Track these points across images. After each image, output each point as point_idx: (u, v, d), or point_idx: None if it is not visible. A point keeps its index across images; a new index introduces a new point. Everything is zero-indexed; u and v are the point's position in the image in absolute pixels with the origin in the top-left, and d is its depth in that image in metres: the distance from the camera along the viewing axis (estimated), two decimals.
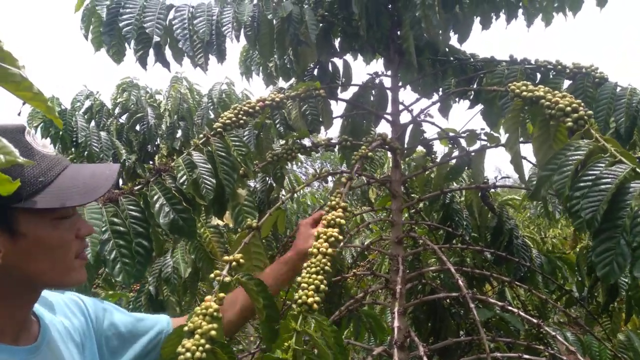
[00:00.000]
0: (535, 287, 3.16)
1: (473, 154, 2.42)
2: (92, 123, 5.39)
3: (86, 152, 4.52)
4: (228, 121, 1.83)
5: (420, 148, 2.90)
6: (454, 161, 2.52)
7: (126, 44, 2.01)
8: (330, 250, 1.37)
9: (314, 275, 1.31)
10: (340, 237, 1.44)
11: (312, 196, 6.22)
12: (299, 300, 1.25)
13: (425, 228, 3.12)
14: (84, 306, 1.19)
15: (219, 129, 1.81)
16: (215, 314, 1.28)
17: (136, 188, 1.64)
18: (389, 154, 2.84)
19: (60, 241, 0.98)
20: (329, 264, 1.35)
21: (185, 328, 1.18)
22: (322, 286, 1.30)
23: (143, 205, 1.57)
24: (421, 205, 2.93)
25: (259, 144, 2.41)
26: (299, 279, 1.31)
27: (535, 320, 2.03)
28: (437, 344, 2.05)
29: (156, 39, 1.98)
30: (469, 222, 3.03)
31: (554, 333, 2.13)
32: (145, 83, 7.99)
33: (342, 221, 1.49)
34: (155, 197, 1.57)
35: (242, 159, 1.81)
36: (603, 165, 1.22)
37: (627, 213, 1.15)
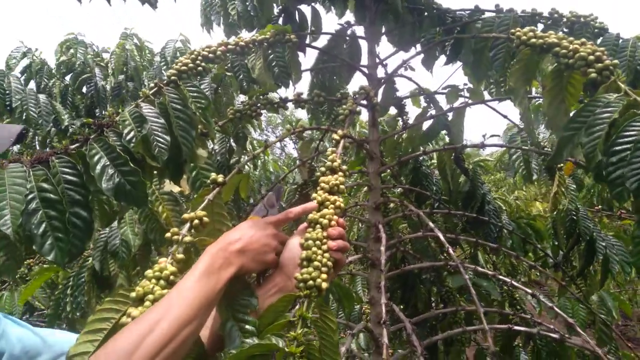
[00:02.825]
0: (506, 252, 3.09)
1: (452, 113, 2.24)
2: (32, 84, 4.89)
3: (24, 117, 4.03)
4: (184, 68, 1.55)
5: (391, 109, 2.69)
6: (428, 122, 2.33)
7: None
8: (342, 221, 1.17)
9: (326, 254, 1.11)
10: (344, 206, 1.22)
11: (275, 163, 5.94)
12: (310, 282, 1.05)
13: (395, 193, 2.95)
14: None
15: (173, 77, 1.52)
16: (171, 277, 1.07)
17: (72, 147, 1.35)
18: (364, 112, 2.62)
19: None
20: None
21: (133, 294, 1.01)
22: (330, 264, 1.10)
23: (81, 167, 1.29)
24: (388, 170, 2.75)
25: (218, 99, 2.13)
26: (304, 253, 1.10)
27: (509, 280, 1.90)
28: (418, 317, 1.89)
29: None
30: (438, 187, 2.88)
31: (529, 291, 2.00)
32: (92, 40, 7.36)
33: (343, 187, 1.27)
34: (97, 157, 1.29)
35: (201, 113, 1.54)
36: None
37: None
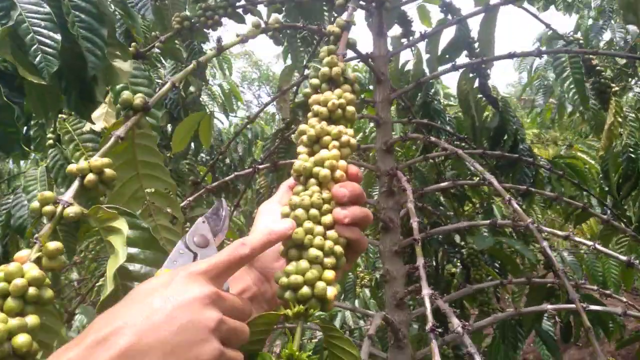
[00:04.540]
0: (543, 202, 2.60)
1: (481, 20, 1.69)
2: None
3: None
4: None
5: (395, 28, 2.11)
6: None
7: None
8: (355, 169, 0.67)
9: (331, 233, 0.62)
10: (355, 143, 0.69)
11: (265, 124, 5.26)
12: (303, 290, 0.57)
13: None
14: None
15: None
16: (31, 292, 0.58)
17: None
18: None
19: None
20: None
21: None
22: (340, 251, 0.62)
23: None
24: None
25: (160, 8, 1.54)
26: (296, 233, 0.61)
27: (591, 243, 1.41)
28: (451, 295, 1.39)
29: None
30: (452, 126, 2.35)
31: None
32: None
33: (352, 109, 0.72)
34: None
35: (120, 5, 0.97)
36: None
37: None
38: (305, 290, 0.57)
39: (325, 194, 0.64)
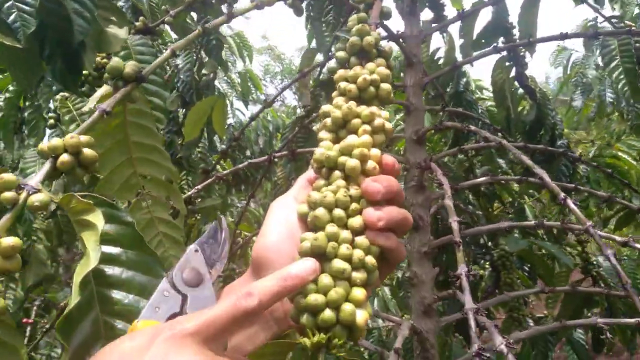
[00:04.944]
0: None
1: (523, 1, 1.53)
2: None
3: None
4: None
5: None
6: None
7: None
8: (391, 159, 0.54)
9: (361, 240, 0.48)
10: (391, 128, 0.55)
11: (273, 111, 5.10)
12: (325, 314, 0.43)
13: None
14: None
15: None
16: None
17: None
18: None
19: None
20: None
21: None
22: (372, 263, 0.47)
23: None
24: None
25: None
26: (310, 241, 0.47)
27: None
28: (488, 302, 1.24)
29: None
30: (484, 119, 2.19)
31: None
32: None
33: (387, 87, 0.57)
34: None
35: None
36: None
37: None
38: (328, 314, 0.43)
39: (354, 190, 0.49)
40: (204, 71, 1.74)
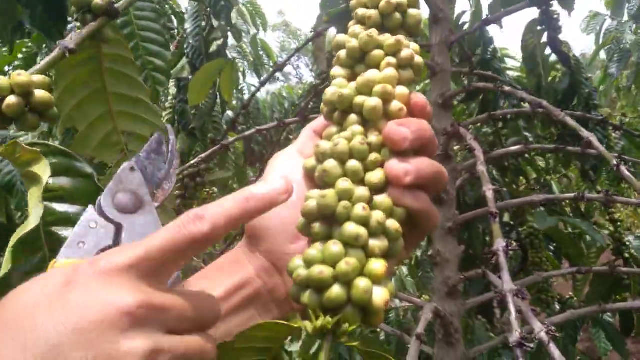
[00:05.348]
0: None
1: None
2: None
3: None
4: None
5: None
6: None
7: None
8: (422, 98, 0.41)
9: (382, 199, 0.37)
10: (421, 61, 0.43)
11: (289, 87, 4.97)
12: (335, 292, 0.32)
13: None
14: None
15: None
16: None
17: None
18: None
19: None
20: None
21: None
22: (395, 228, 0.36)
23: None
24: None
25: None
26: (319, 199, 0.36)
27: None
28: (519, 282, 1.14)
29: None
30: (515, 86, 2.06)
31: None
32: None
33: (417, 13, 0.46)
34: None
35: None
36: None
37: None
38: (337, 291, 0.33)
39: (374, 136, 0.39)
40: (213, 36, 1.64)
